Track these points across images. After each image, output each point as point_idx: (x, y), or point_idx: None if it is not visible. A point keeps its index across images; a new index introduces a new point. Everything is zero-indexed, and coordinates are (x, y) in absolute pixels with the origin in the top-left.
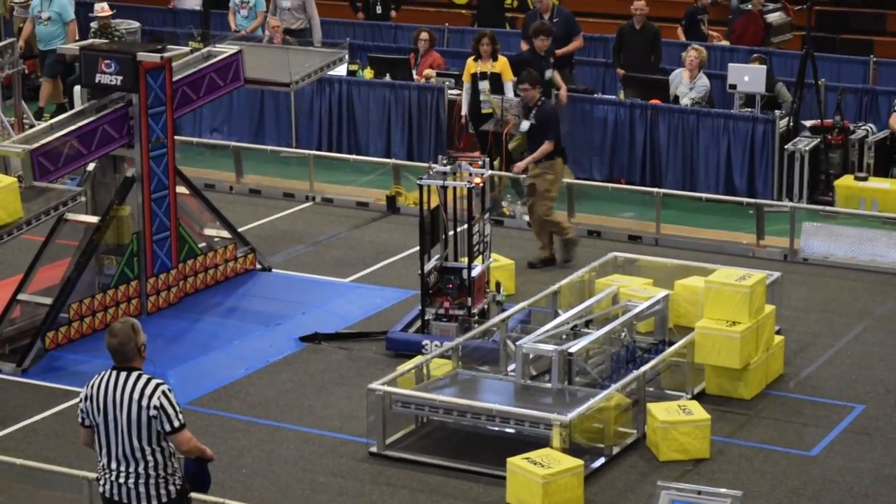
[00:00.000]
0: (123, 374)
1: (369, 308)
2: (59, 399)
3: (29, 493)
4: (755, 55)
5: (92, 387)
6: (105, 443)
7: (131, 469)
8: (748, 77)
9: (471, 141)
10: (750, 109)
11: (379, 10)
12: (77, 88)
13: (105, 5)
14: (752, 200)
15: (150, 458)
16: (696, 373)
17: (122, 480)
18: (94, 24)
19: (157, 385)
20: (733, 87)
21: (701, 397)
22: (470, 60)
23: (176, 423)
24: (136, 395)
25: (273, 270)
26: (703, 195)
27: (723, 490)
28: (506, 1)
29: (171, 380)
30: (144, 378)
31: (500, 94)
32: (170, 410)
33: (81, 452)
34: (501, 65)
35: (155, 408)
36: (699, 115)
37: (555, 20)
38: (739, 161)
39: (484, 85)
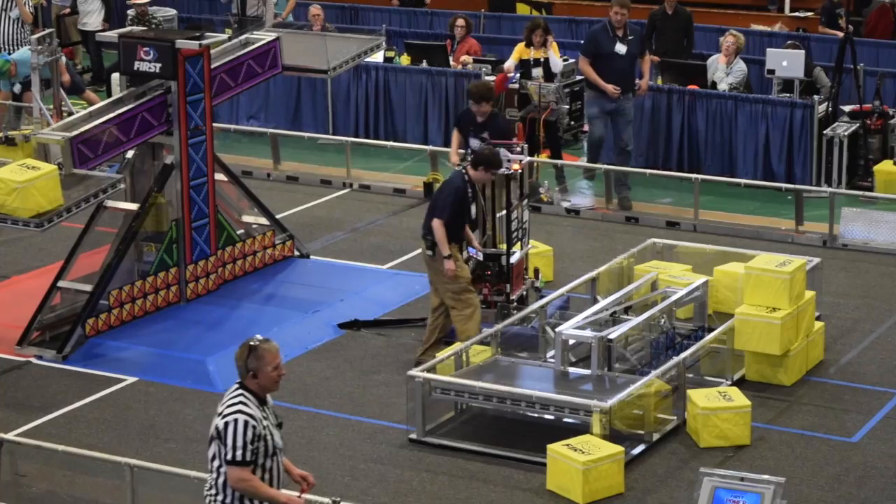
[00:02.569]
0: (234, 385)
1: (408, 295)
2: (99, 386)
3: (70, 480)
4: (790, 41)
5: None
6: None
7: (209, 478)
8: (787, 62)
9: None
10: (788, 95)
11: None
12: (115, 76)
13: None
14: (791, 186)
15: (215, 472)
16: (736, 359)
17: (204, 492)
18: (130, 12)
19: (236, 410)
20: (772, 72)
21: (741, 384)
22: (521, 46)
23: (229, 456)
24: (219, 408)
25: (311, 257)
26: (742, 181)
27: (765, 476)
28: None
29: (211, 366)
30: (237, 398)
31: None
32: (228, 440)
33: (123, 439)
34: (553, 49)
35: (216, 428)
36: (737, 101)
37: (630, 38)
38: (778, 146)
39: (537, 72)
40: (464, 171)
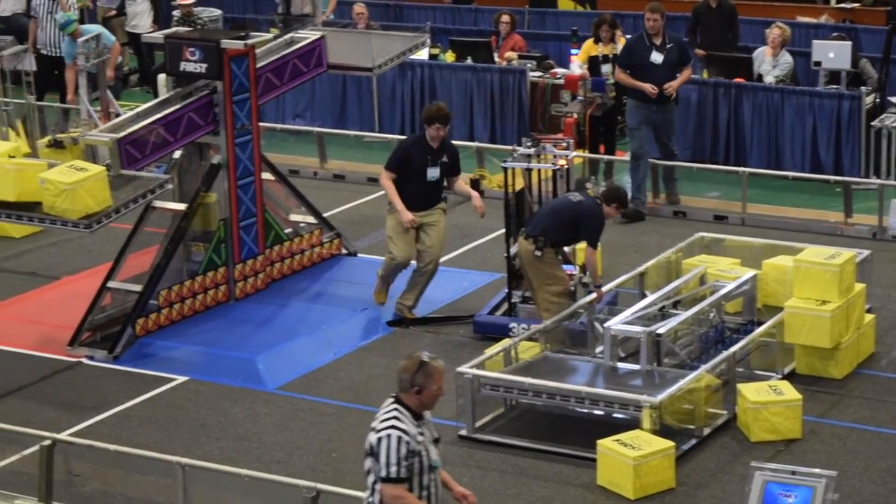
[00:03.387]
0: (389, 399)
1: (456, 291)
2: (150, 385)
3: (122, 479)
4: (835, 33)
5: None
6: None
7: (365, 495)
8: (833, 53)
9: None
10: (835, 86)
11: None
12: (161, 77)
13: None
14: (840, 178)
15: (370, 489)
16: (786, 353)
17: None
18: (176, 13)
19: (389, 426)
20: (818, 63)
21: (791, 377)
22: (589, 42)
23: (382, 473)
24: (374, 422)
25: (359, 255)
26: (790, 173)
27: (817, 470)
28: None
29: (260, 365)
30: (391, 412)
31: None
32: (381, 457)
33: (174, 438)
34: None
35: (370, 444)
36: (784, 93)
37: (668, 46)
38: (825, 138)
39: (607, 68)
40: (598, 201)
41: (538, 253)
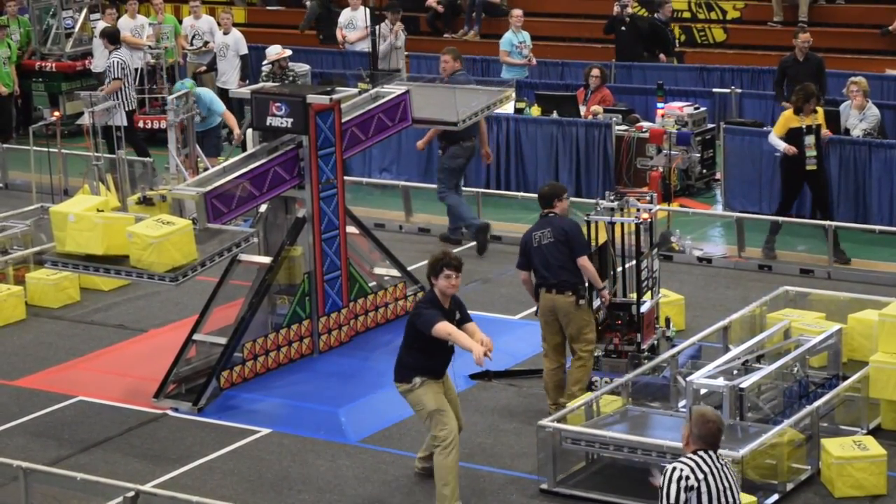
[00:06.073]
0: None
1: (538, 345)
2: (234, 437)
3: None
4: None
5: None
6: None
7: None
8: None
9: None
10: None
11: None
12: (249, 131)
13: (280, 47)
14: None
15: None
16: (872, 408)
17: None
18: (265, 68)
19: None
20: None
21: (877, 433)
22: (788, 114)
23: None
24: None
25: None
26: (877, 227)
27: None
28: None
29: (343, 418)
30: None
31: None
32: None
33: (257, 490)
34: (821, 115)
35: None
36: (871, 146)
37: None
38: None
39: (809, 140)
40: (555, 212)
41: (582, 301)
